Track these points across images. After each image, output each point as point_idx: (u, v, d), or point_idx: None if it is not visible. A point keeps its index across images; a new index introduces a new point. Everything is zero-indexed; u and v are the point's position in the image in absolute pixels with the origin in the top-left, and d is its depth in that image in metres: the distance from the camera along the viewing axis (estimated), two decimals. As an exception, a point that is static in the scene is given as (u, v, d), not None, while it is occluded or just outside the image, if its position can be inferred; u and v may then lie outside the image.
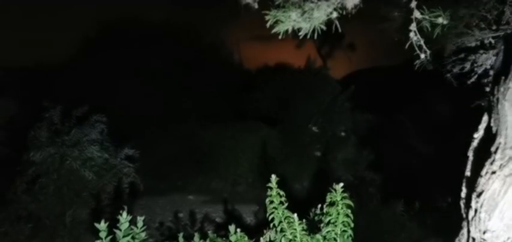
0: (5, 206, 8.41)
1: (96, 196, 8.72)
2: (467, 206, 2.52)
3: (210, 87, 16.14)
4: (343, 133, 13.92)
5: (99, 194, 8.77)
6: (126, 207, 4.28)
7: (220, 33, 21.93)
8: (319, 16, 2.52)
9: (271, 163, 12.06)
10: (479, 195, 2.32)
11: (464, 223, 2.65)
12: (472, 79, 6.25)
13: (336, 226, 4.10)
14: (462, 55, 6.31)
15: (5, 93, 12.64)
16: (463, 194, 2.76)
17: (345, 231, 4.09)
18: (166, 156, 12.97)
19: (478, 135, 2.78)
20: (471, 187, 2.47)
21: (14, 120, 11.16)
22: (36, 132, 8.67)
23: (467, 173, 2.76)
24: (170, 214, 9.89)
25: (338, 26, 2.56)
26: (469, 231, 2.47)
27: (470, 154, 2.79)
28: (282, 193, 4.17)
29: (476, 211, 2.34)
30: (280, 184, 4.15)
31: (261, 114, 14.83)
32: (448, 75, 6.31)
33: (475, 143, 2.80)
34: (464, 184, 2.77)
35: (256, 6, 2.91)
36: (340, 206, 4.07)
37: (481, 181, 2.36)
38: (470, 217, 2.40)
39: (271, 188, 4.17)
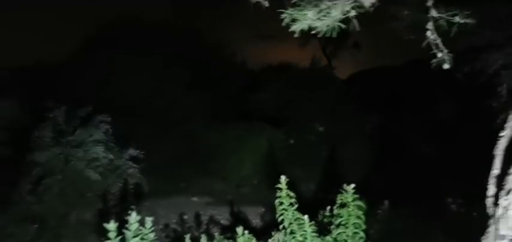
0: (10, 208, 8.37)
1: (101, 197, 8.68)
2: (495, 204, 2.58)
3: (214, 87, 16.09)
4: (348, 134, 13.87)
5: (104, 195, 8.74)
6: (134, 208, 4.25)
7: (224, 33, 21.88)
8: (336, 14, 2.48)
9: (276, 164, 11.98)
10: (508, 193, 2.39)
11: (492, 221, 2.69)
12: (482, 80, 6.23)
13: (347, 228, 4.04)
14: (471, 55, 6.27)
15: (6, 93, 12.60)
16: (490, 192, 2.81)
17: (356, 233, 4.03)
18: (169, 156, 12.91)
19: (506, 133, 2.81)
20: (499, 185, 2.54)
21: (16, 121, 11.12)
22: (41, 132, 8.65)
23: (495, 171, 2.81)
24: (174, 216, 9.81)
25: (356, 24, 2.52)
26: (497, 229, 2.51)
27: (498, 152, 2.82)
28: (291, 194, 4.12)
29: (505, 208, 2.39)
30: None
31: (266, 114, 14.77)
32: (459, 75, 6.28)
33: (503, 141, 2.82)
34: (491, 182, 2.81)
35: (266, 4, 2.86)
36: (351, 207, 4.01)
37: (510, 179, 2.42)
38: (498, 214, 2.46)
39: (280, 189, 4.11)
